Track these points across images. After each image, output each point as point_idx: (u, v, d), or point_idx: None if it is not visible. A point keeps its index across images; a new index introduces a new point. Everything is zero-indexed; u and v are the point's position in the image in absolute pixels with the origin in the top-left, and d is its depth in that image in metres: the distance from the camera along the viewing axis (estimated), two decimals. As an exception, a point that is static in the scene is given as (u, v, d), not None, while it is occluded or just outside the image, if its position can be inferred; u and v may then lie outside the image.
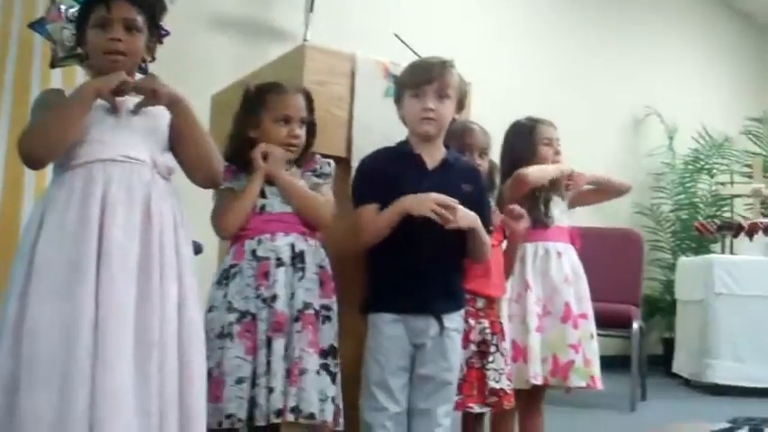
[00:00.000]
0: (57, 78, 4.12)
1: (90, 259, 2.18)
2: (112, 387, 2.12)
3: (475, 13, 7.04)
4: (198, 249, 3.71)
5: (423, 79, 2.78)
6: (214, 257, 3.12)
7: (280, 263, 2.61)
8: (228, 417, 2.50)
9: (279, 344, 2.56)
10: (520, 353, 3.23)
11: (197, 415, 2.32)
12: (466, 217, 2.72)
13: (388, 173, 2.77)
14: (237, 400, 2.51)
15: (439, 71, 2.79)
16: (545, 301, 3.31)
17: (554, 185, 3.47)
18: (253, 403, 2.53)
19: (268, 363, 2.54)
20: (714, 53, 9.34)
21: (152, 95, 2.35)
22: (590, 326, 3.40)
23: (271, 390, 2.52)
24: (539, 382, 3.21)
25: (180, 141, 2.43)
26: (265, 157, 2.68)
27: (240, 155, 2.74)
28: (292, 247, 2.65)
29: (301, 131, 2.75)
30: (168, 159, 2.44)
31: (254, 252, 2.62)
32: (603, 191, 3.70)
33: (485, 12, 7.14)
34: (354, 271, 2.83)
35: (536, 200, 3.38)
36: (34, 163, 2.35)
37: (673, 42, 8.86)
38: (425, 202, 2.67)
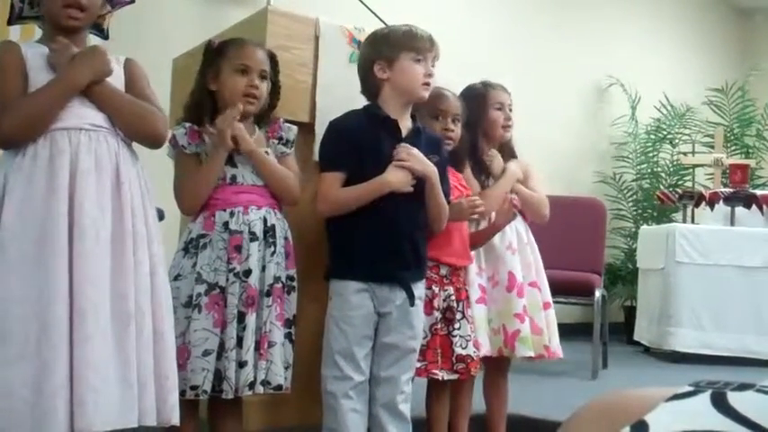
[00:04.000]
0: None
1: (61, 231, 2.15)
2: (93, 359, 2.11)
3: (439, -19, 7.00)
4: (160, 216, 3.67)
5: (427, 45, 2.78)
6: (176, 224, 3.08)
7: (253, 237, 2.59)
8: (193, 388, 2.50)
9: (251, 318, 2.56)
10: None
11: (172, 384, 2.33)
12: (422, 161, 2.73)
13: (363, 137, 2.75)
14: (203, 372, 2.50)
15: (435, 42, 2.82)
16: (492, 271, 3.29)
17: (505, 148, 3.44)
18: (219, 376, 2.52)
19: (239, 337, 2.54)
20: (677, 24, 9.37)
21: None
22: (540, 295, 3.36)
23: (241, 364, 2.53)
24: (483, 353, 3.16)
25: (113, 117, 2.37)
26: (235, 142, 2.61)
27: (200, 108, 2.70)
28: (264, 220, 2.63)
29: (262, 85, 2.70)
30: None
31: (226, 224, 2.59)
32: (526, 207, 3.54)
33: (449, -21, 7.10)
34: (315, 237, 2.83)
35: (479, 169, 3.35)
36: (13, 143, 2.27)
37: (636, 12, 8.87)
38: (404, 177, 2.70)
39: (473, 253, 3.23)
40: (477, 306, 3.18)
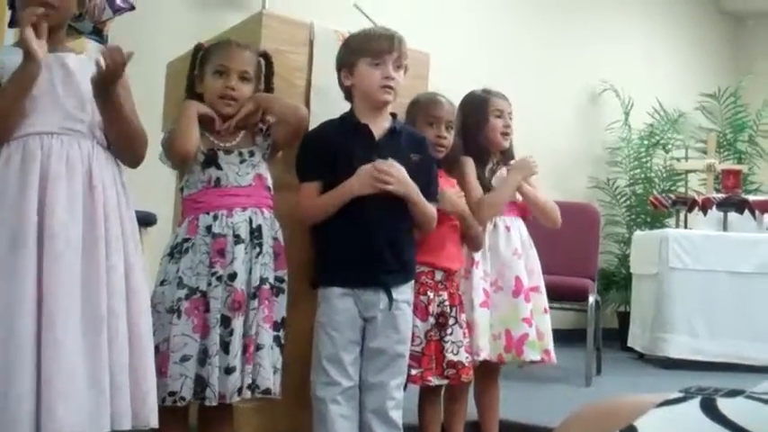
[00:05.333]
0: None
1: (30, 236, 2.14)
2: (65, 365, 2.10)
3: (433, -14, 7.00)
4: (152, 220, 3.67)
5: (385, 48, 2.77)
6: (168, 229, 3.08)
7: (238, 240, 2.57)
8: (171, 394, 2.47)
9: (238, 322, 2.53)
10: (467, 329, 3.22)
11: (150, 386, 2.31)
12: (402, 181, 2.73)
13: (335, 145, 2.76)
14: (181, 378, 2.48)
15: (398, 41, 2.79)
16: (496, 276, 3.30)
17: (505, 155, 3.45)
18: (201, 382, 2.49)
19: (225, 343, 2.51)
20: (669, 30, 9.38)
21: (115, 68, 2.24)
22: (542, 299, 3.40)
23: (228, 370, 2.50)
24: (483, 357, 3.18)
25: (105, 129, 2.37)
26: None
27: None
28: (250, 221, 2.61)
29: (241, 86, 2.67)
30: None
31: (209, 228, 2.57)
32: (539, 212, 3.55)
33: (443, -16, 7.11)
34: (303, 242, 2.83)
35: (482, 174, 3.36)
36: None
37: (629, 18, 8.88)
38: (366, 180, 2.70)
39: (479, 257, 3.23)
40: (480, 310, 3.19)
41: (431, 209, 2.83)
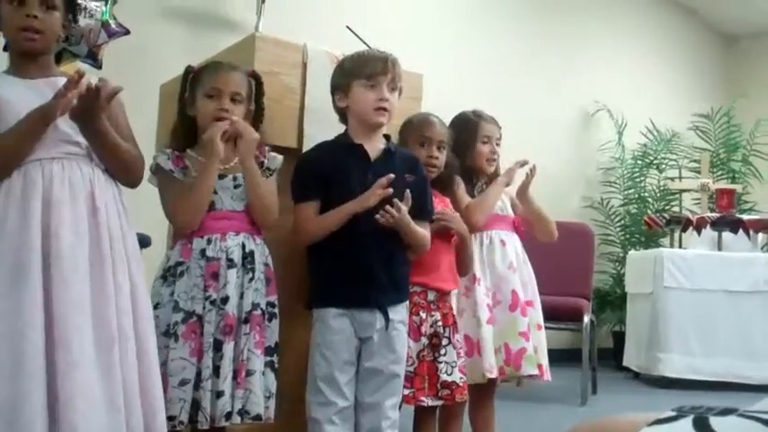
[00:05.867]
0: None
1: (34, 263, 2.14)
2: (81, 385, 2.10)
3: (426, 7, 7.02)
4: (146, 242, 3.66)
5: (379, 70, 2.77)
6: (162, 251, 3.07)
7: (231, 264, 2.56)
8: (171, 419, 2.45)
9: (229, 347, 2.52)
10: (473, 347, 3.21)
11: (159, 406, 2.33)
12: (401, 220, 2.73)
13: (330, 166, 2.76)
14: (180, 402, 2.47)
15: (392, 63, 2.80)
16: (494, 290, 3.31)
17: (491, 178, 3.46)
18: (195, 406, 2.49)
19: (216, 366, 2.50)
20: (663, 50, 9.42)
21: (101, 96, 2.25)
22: (536, 314, 3.41)
23: (218, 394, 2.49)
24: (494, 375, 3.20)
25: (96, 153, 2.37)
26: (233, 138, 2.61)
27: (180, 133, 2.70)
28: (243, 246, 2.61)
29: (234, 108, 2.66)
30: None
31: (203, 251, 2.57)
32: (536, 219, 3.58)
33: (436, 5, 7.13)
34: (300, 264, 2.82)
35: (473, 190, 3.38)
36: None
37: (622, 39, 8.93)
38: (369, 197, 2.70)
39: (479, 273, 3.24)
40: (487, 327, 3.20)
41: (422, 233, 2.83)
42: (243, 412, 2.54)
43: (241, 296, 2.58)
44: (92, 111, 2.25)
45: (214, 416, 2.49)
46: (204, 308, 2.53)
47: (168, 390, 2.46)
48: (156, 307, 2.55)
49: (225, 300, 2.54)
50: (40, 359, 2.08)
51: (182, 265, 2.58)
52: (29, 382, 2.06)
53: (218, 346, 2.52)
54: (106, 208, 2.30)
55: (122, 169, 2.41)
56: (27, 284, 2.12)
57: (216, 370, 2.50)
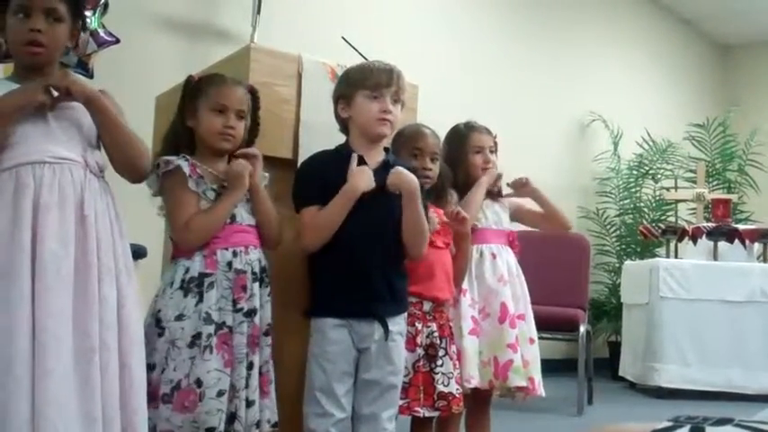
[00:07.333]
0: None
1: (24, 266, 2.14)
2: (54, 394, 2.09)
3: (421, 18, 7.03)
4: (142, 253, 3.65)
5: (383, 82, 2.78)
6: (158, 262, 3.07)
7: (255, 277, 2.60)
8: (209, 430, 2.46)
9: (255, 357, 2.57)
10: (456, 357, 3.22)
11: (141, 419, 2.30)
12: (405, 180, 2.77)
13: (330, 175, 2.75)
14: (218, 413, 2.47)
15: (397, 75, 2.81)
16: (483, 303, 3.31)
17: (492, 191, 3.47)
18: (230, 416, 2.51)
19: (247, 377, 2.54)
20: (658, 60, 9.45)
21: (65, 93, 2.28)
22: (528, 328, 3.41)
23: (249, 403, 2.54)
24: (473, 385, 3.18)
25: (101, 139, 2.39)
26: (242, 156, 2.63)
27: (177, 142, 2.69)
28: (259, 261, 2.64)
29: (239, 124, 2.67)
30: (98, 156, 2.39)
31: (230, 264, 2.57)
32: (549, 218, 3.64)
33: (431, 17, 7.14)
34: (296, 275, 2.82)
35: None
36: None
37: (617, 49, 8.95)
38: (369, 179, 2.72)
39: (466, 285, 3.25)
40: (469, 338, 3.20)
41: (423, 222, 2.83)
42: (269, 421, 2.62)
43: (261, 308, 2.62)
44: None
45: (247, 425, 2.53)
46: (234, 320, 2.54)
47: (204, 401, 2.45)
48: (178, 318, 2.51)
49: (253, 311, 2.57)
50: (27, 365, 2.08)
51: (209, 276, 2.55)
52: (18, 386, 2.06)
53: (247, 357, 2.55)
54: (96, 216, 2.28)
55: (128, 153, 2.39)
56: (16, 287, 2.12)
57: (246, 380, 2.54)
